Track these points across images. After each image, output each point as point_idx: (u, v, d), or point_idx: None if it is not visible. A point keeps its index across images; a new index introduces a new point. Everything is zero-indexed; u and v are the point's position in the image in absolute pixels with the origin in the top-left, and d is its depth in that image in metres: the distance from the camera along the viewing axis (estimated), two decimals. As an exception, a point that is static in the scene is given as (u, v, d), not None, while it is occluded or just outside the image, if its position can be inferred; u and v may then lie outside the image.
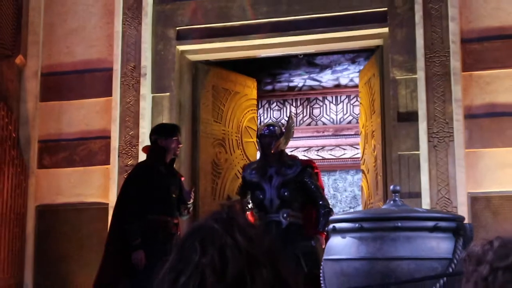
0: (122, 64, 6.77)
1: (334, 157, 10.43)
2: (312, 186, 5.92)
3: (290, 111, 8.52)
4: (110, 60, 6.87)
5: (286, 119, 6.59)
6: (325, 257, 3.89)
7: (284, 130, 6.07)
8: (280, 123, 6.43)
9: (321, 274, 3.92)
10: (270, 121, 6.43)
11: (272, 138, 5.98)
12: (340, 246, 3.73)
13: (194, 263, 1.12)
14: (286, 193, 5.89)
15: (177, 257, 1.16)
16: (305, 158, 8.13)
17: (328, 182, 10.69)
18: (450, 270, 3.43)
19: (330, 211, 5.76)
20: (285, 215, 5.86)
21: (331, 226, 3.86)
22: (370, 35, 6.55)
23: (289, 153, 6.43)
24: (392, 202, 3.86)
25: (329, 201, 6.28)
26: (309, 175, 5.95)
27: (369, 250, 3.59)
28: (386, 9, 6.33)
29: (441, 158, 5.92)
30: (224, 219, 1.18)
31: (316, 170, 6.11)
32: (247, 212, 6.13)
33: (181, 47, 6.87)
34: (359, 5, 6.41)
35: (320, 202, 5.88)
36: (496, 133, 5.96)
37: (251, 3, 6.66)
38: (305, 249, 5.72)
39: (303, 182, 5.93)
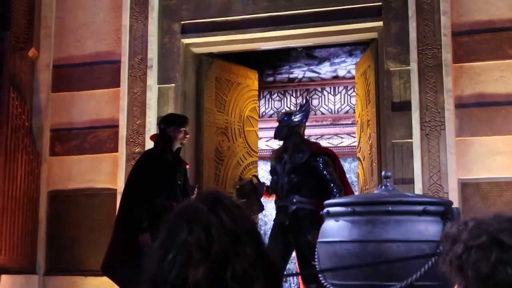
0: (129, 57, 6.78)
1: (332, 145, 10.40)
2: (324, 172, 5.75)
3: (307, 99, 8.47)
4: (118, 53, 6.88)
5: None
6: (319, 239, 3.91)
7: (294, 118, 5.99)
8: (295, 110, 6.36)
9: (315, 256, 3.94)
10: (288, 110, 6.36)
11: (281, 126, 5.98)
12: (333, 229, 3.75)
13: (181, 241, 1.13)
14: (294, 179, 5.83)
15: (165, 236, 1.18)
16: (325, 146, 7.93)
17: (326, 169, 10.69)
18: (438, 251, 3.44)
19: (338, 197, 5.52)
20: (294, 200, 5.79)
21: (325, 210, 3.87)
22: (366, 29, 6.54)
23: (312, 140, 6.38)
24: (383, 187, 3.87)
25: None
26: (322, 162, 5.79)
27: (361, 232, 3.62)
28: (380, 3, 6.31)
29: (433, 146, 5.92)
30: (210, 200, 1.19)
31: (333, 157, 5.96)
32: (265, 194, 6.10)
33: (186, 40, 6.87)
34: (355, -1, 6.41)
35: (334, 190, 5.69)
36: (486, 122, 5.96)
37: (252, -2, 6.66)
38: (304, 242, 5.61)
39: (314, 168, 5.80)
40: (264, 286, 1.12)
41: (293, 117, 5.99)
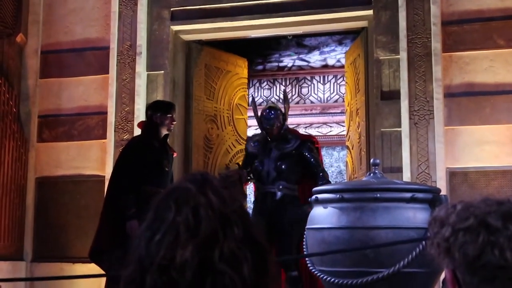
0: (118, 43, 6.75)
1: (321, 134, 10.43)
2: (312, 160, 5.88)
3: (285, 89, 8.39)
4: (107, 39, 6.85)
5: (282, 97, 6.61)
6: (308, 226, 3.92)
7: (283, 111, 6.07)
8: (278, 104, 6.38)
9: (304, 243, 3.95)
10: (271, 103, 6.37)
11: (276, 120, 5.97)
12: (322, 216, 3.76)
13: (168, 222, 1.13)
14: (283, 166, 5.87)
15: (153, 217, 1.17)
16: (306, 133, 8.14)
17: (315, 158, 10.71)
18: (425, 237, 3.46)
19: (328, 183, 5.70)
20: (280, 186, 5.84)
21: (313, 197, 3.88)
22: (356, 17, 6.53)
23: (290, 127, 6.47)
24: (372, 174, 3.88)
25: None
26: (308, 149, 5.91)
27: (350, 219, 3.63)
28: (371, -8, 6.31)
29: (421, 134, 5.94)
30: (198, 180, 1.18)
31: (316, 145, 6.09)
32: (246, 182, 6.11)
33: (175, 27, 6.84)
34: (345, -13, 6.39)
35: (320, 174, 5.84)
36: (474, 111, 5.98)
37: (242, -15, 6.63)
38: (297, 216, 5.66)
39: (302, 155, 5.89)
40: (252, 267, 1.12)
41: (283, 110, 6.04)
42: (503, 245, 1.28)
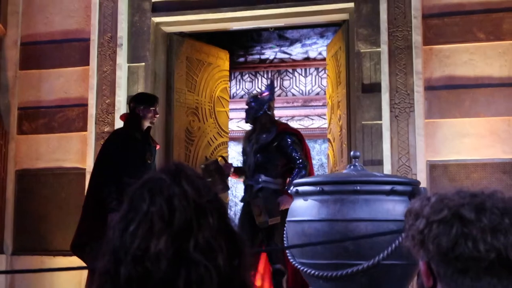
0: (99, 35, 6.71)
1: (303, 127, 10.44)
2: (290, 153, 5.87)
3: (271, 79, 8.31)
4: (87, 31, 6.80)
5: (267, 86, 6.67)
6: (288, 218, 3.93)
7: (259, 99, 6.08)
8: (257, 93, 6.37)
9: (284, 235, 3.96)
10: (255, 91, 6.30)
11: (252, 109, 6.00)
12: (302, 208, 3.77)
13: (142, 212, 1.13)
14: (260, 158, 5.90)
15: (127, 208, 1.17)
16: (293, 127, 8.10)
17: (297, 150, 10.72)
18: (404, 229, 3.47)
19: (304, 173, 5.72)
20: (259, 179, 5.89)
21: (294, 189, 3.89)
22: (337, 10, 6.54)
23: (280, 121, 6.52)
24: (352, 167, 3.90)
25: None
26: (286, 141, 5.90)
27: (330, 212, 3.64)
28: (352, -16, 6.32)
29: (402, 127, 5.96)
30: (172, 170, 1.19)
31: (299, 137, 6.08)
32: (232, 174, 6.15)
33: (156, 19, 6.81)
34: (327, -20, 6.40)
35: (296, 170, 5.81)
36: (454, 104, 6.02)
37: (224, -23, 6.61)
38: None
39: (281, 147, 5.91)
40: (227, 257, 1.12)
41: (259, 98, 6.07)
42: (476, 236, 1.30)
